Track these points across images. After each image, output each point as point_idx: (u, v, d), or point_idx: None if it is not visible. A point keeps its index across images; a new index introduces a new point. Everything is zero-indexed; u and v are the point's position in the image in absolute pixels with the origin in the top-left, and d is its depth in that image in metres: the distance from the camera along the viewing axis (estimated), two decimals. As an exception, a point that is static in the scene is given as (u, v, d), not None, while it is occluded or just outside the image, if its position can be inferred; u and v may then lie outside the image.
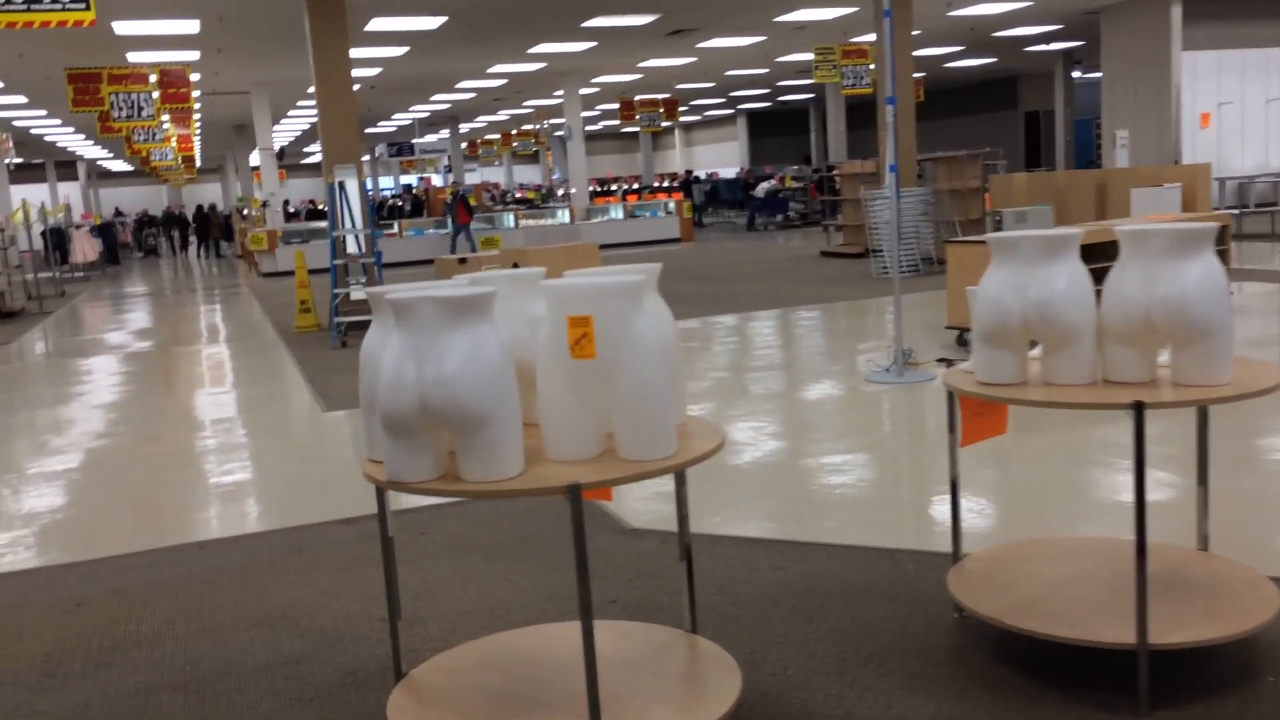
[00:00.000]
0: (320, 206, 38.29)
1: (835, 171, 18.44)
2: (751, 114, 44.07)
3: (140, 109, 16.91)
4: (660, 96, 29.84)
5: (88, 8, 9.46)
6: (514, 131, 39.76)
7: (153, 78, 17.17)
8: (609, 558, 4.43)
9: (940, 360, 8.15)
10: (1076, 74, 29.97)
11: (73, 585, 4.58)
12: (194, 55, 18.30)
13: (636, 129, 32.52)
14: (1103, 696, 3.02)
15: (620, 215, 25.40)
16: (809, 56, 23.06)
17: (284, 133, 36.36)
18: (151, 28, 15.29)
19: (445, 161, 37.11)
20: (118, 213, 42.62)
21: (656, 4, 16.62)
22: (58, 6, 9.34)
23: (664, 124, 30.04)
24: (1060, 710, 2.97)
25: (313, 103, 22.72)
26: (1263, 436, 5.60)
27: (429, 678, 3.04)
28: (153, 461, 6.76)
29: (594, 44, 20.42)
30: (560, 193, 36.29)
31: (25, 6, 9.27)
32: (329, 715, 3.26)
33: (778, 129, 44.04)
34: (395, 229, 23.67)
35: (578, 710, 2.75)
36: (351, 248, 12.24)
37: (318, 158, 44.34)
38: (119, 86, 16.70)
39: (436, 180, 44.04)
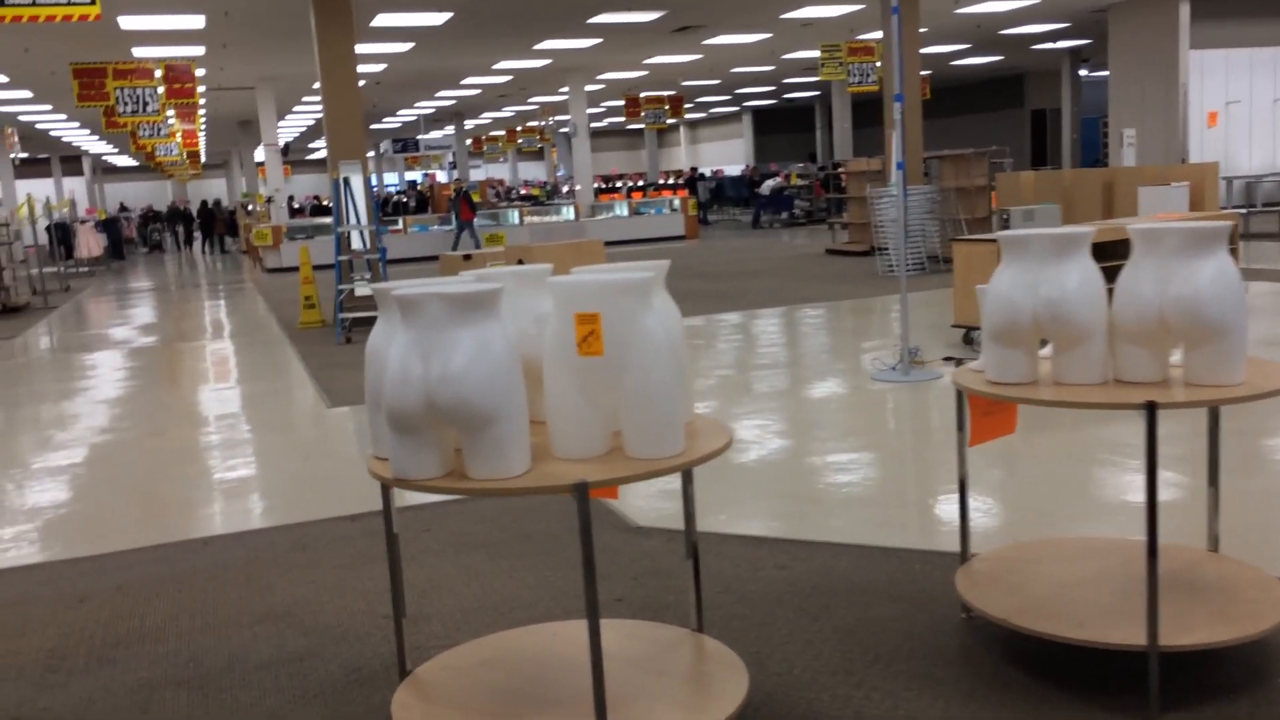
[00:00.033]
0: (325, 202, 38.30)
1: (841, 169, 18.40)
2: (757, 111, 44.02)
3: (145, 104, 16.90)
4: (666, 93, 29.81)
5: (93, 2, 9.44)
6: (519, 128, 39.72)
7: (158, 73, 17.16)
8: (614, 555, 4.41)
9: (946, 359, 8.12)
10: (1083, 72, 29.88)
11: (76, 580, 4.57)
12: (199, 50, 18.29)
13: (642, 126, 32.48)
14: (1111, 699, 3.00)
15: (625, 212, 25.37)
16: (815, 54, 23.01)
17: (289, 128, 36.36)
18: (157, 22, 15.28)
19: (450, 158, 37.09)
20: (122, 208, 42.63)
21: (663, 0, 16.59)
22: (63, 1, 9.32)
23: (669, 121, 29.99)
24: (1069, 712, 2.94)
25: (318, 98, 22.72)
26: (1272, 437, 5.57)
27: (434, 676, 3.02)
28: (157, 457, 6.75)
29: (600, 40, 20.38)
30: (565, 189, 36.26)
31: (30, 1, 9.25)
32: (333, 713, 3.24)
33: (783, 127, 43.99)
34: (400, 225, 23.67)
35: (583, 709, 2.74)
36: (356, 244, 12.23)
37: (323, 153, 44.37)
38: (124, 81, 16.69)
39: (441, 176, 44.04)
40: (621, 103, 32.44)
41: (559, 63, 23.39)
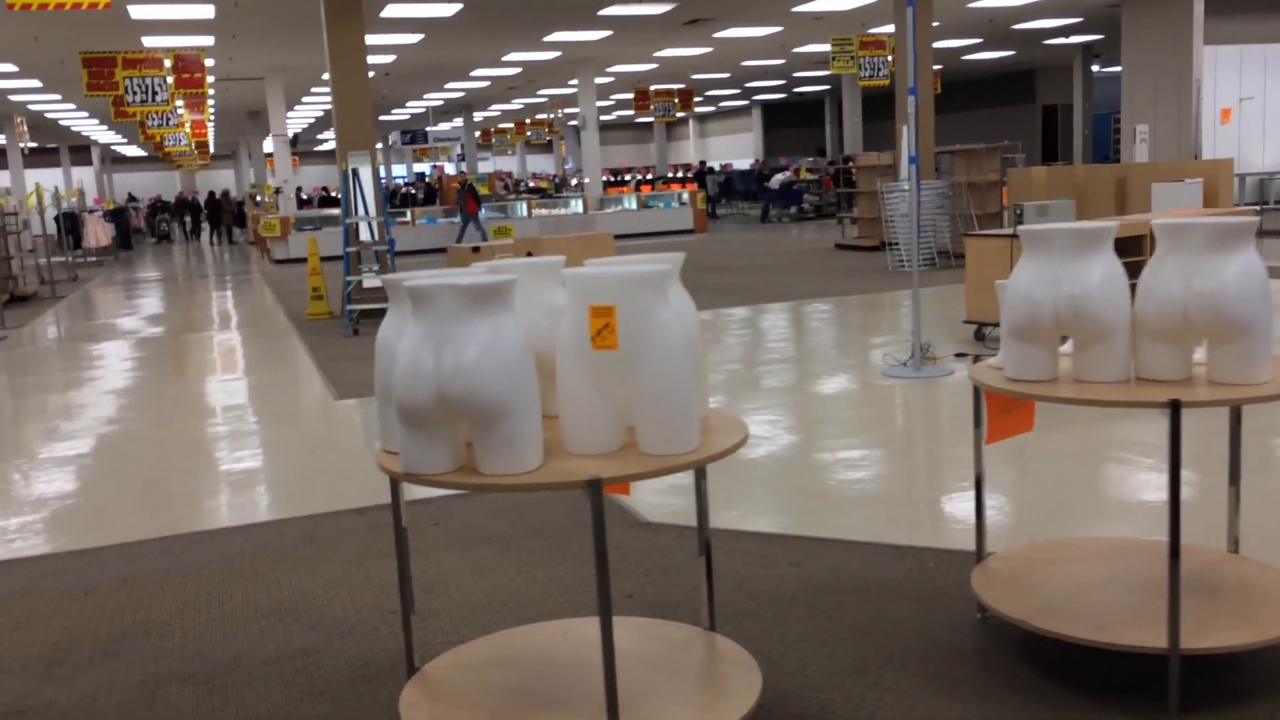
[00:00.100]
0: (333, 193, 38.25)
1: (852, 164, 18.33)
2: (766, 105, 43.90)
3: (154, 94, 16.86)
4: (675, 87, 29.68)
5: (103, -10, 9.41)
6: (528, 120, 39.63)
7: (167, 63, 17.12)
8: (624, 552, 4.36)
9: (958, 355, 8.06)
10: (1095, 68, 29.74)
11: (81, 573, 4.54)
12: (209, 40, 18.26)
13: (651, 119, 32.44)
14: (1130, 701, 2.95)
15: (634, 205, 25.32)
16: (826, 47, 22.91)
17: (298, 119, 36.36)
18: (166, 12, 15.26)
19: (459, 150, 37.04)
20: (131, 198, 42.61)
21: (673, -7, 16.53)
22: (72, -11, 9.28)
23: (679, 114, 29.89)
24: (1086, 715, 2.89)
25: (327, 89, 22.68)
26: (1289, 436, 5.51)
27: (442, 673, 2.98)
28: (163, 448, 6.72)
29: (610, 33, 20.31)
30: (574, 182, 36.20)
31: (40, -11, 9.21)
32: (339, 709, 3.20)
33: (792, 121, 43.88)
34: (408, 217, 23.63)
35: (594, 709, 2.69)
36: (364, 235, 12.19)
37: (331, 144, 44.30)
38: (133, 71, 16.65)
39: (450, 169, 44.00)
40: (630, 96, 32.35)
41: (568, 55, 23.33)
